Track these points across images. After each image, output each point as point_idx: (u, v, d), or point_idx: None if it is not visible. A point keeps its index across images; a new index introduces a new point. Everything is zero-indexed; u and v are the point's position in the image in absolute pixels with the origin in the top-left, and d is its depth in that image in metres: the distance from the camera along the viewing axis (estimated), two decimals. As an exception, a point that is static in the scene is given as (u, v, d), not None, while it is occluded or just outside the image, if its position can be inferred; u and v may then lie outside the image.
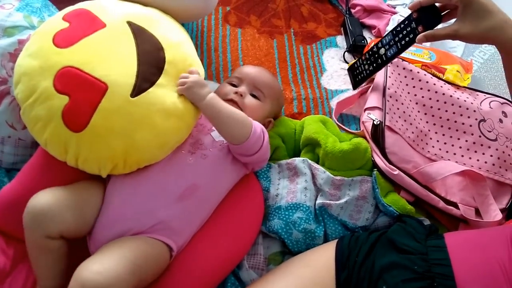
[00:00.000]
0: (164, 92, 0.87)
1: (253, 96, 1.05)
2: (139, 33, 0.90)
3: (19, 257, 0.89)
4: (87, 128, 0.82)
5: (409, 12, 1.03)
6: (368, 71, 1.20)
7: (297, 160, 1.08)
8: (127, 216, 0.86)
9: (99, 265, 0.73)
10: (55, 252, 0.82)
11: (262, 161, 1.00)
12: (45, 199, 0.81)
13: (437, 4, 0.96)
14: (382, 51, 1.14)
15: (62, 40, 0.86)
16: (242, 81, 1.06)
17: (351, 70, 1.28)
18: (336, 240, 0.97)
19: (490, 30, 0.86)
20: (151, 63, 0.88)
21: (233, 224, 0.96)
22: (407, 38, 1.05)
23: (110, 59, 0.85)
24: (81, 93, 0.82)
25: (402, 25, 1.07)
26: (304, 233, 1.00)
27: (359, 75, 1.24)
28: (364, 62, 1.21)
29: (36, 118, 0.84)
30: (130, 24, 0.90)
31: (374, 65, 1.17)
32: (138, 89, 0.84)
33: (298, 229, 1.00)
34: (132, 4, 0.98)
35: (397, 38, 1.09)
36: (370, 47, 1.22)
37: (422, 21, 1.00)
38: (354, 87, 1.27)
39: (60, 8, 1.16)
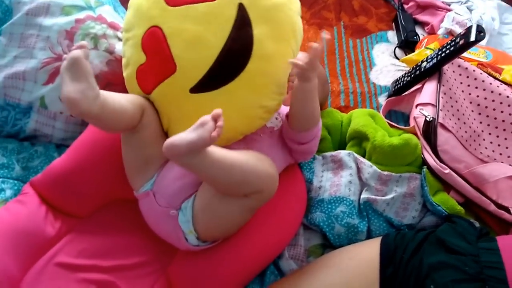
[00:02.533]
0: (223, 99, 0.82)
1: None
2: (240, 25, 0.80)
3: (65, 230, 0.91)
4: (150, 95, 0.85)
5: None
6: (405, 82, 1.20)
7: (342, 153, 1.06)
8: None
9: None
10: None
11: (309, 152, 0.99)
12: None
13: None
14: (424, 64, 1.15)
15: None
16: None
17: (395, 81, 1.27)
18: (380, 237, 0.94)
19: None
20: (228, 65, 0.81)
21: (277, 213, 0.95)
22: (447, 51, 1.08)
23: (194, 41, 0.80)
24: (155, 62, 0.82)
25: (447, 42, 1.10)
26: (346, 228, 0.98)
27: (397, 85, 1.23)
28: (406, 74, 1.22)
29: (124, 53, 0.88)
30: (240, 9, 0.80)
31: (412, 76, 1.18)
32: (200, 87, 0.81)
33: (340, 223, 0.98)
34: None
35: (440, 52, 1.11)
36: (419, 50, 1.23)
37: (465, 35, 1.04)
38: (388, 96, 1.26)
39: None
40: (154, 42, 0.81)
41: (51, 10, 1.02)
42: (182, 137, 0.69)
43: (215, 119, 0.70)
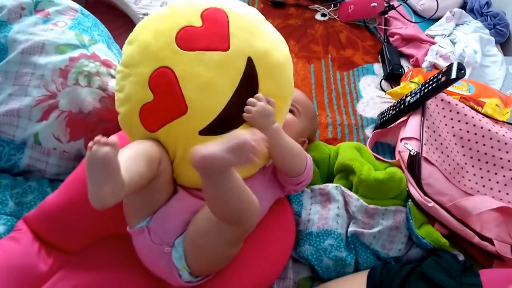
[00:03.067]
0: None
1: (289, 111, 1.07)
2: (248, 79, 0.87)
3: (58, 266, 0.92)
4: (153, 133, 0.86)
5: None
6: (391, 115, 1.24)
7: (330, 186, 1.09)
8: (189, 210, 0.88)
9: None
10: None
11: (303, 186, 1.01)
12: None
13: None
14: (408, 98, 1.20)
15: (185, 41, 0.85)
16: None
17: (380, 114, 1.31)
18: (367, 270, 0.97)
19: None
20: (236, 113, 0.86)
21: (267, 247, 0.97)
22: (430, 87, 1.12)
23: (207, 86, 0.84)
24: (164, 102, 0.84)
25: (430, 78, 1.14)
26: (334, 261, 1.00)
27: (383, 118, 1.28)
28: (391, 108, 1.26)
29: (122, 88, 0.87)
30: (248, 62, 0.87)
31: (397, 109, 1.22)
32: (210, 130, 0.84)
33: (328, 256, 1.00)
34: (271, 33, 0.93)
35: (423, 87, 1.15)
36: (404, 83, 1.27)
37: (446, 72, 1.08)
38: (375, 128, 1.30)
39: (108, 27, 1.22)
40: (165, 82, 0.83)
41: (46, 49, 1.05)
42: (218, 153, 0.69)
43: (257, 143, 0.70)
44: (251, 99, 0.86)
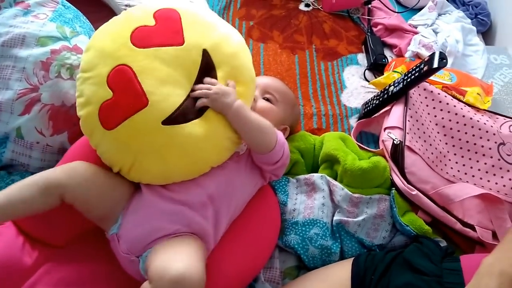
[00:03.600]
0: (194, 132, 0.85)
1: (266, 99, 1.08)
2: (206, 69, 0.89)
3: (42, 260, 0.91)
4: (112, 130, 0.84)
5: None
6: (374, 105, 1.26)
7: (315, 176, 1.09)
8: (156, 217, 0.86)
9: (180, 263, 0.73)
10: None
11: (283, 166, 1.00)
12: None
13: None
14: (391, 88, 1.21)
15: (140, 39, 0.86)
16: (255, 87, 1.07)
17: (364, 104, 1.32)
18: (352, 258, 0.98)
19: None
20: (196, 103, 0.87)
21: (251, 237, 0.97)
22: (412, 77, 1.14)
23: (166, 79, 0.85)
24: (123, 97, 0.84)
25: (413, 68, 1.15)
26: (320, 249, 1.01)
27: (367, 108, 1.29)
28: (375, 98, 1.27)
29: (82, 92, 0.87)
30: (204, 54, 0.89)
31: (381, 99, 1.24)
32: (172, 120, 0.84)
33: (314, 245, 1.01)
34: (224, 27, 0.96)
35: (406, 77, 1.17)
36: (387, 72, 1.27)
37: (428, 62, 1.09)
38: (359, 118, 1.32)
39: (89, 18, 1.21)
40: (124, 78, 0.84)
41: (27, 42, 1.03)
42: None
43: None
44: (204, 85, 0.88)
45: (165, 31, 0.88)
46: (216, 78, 0.89)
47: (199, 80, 0.88)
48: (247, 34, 1.53)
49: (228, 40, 0.93)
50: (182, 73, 0.86)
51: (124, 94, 0.84)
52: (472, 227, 1.05)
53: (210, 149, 0.88)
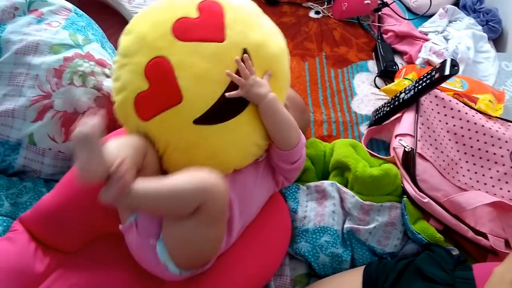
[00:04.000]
0: (224, 133, 0.86)
1: None
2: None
3: (54, 266, 0.92)
4: (146, 122, 0.85)
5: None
6: (384, 112, 1.25)
7: (326, 183, 1.09)
8: None
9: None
10: None
11: (298, 169, 1.00)
12: None
13: None
14: (402, 95, 1.21)
15: (182, 31, 0.85)
16: None
17: (375, 111, 1.32)
18: (363, 266, 0.97)
19: None
20: (231, 104, 0.86)
21: (262, 244, 0.97)
22: (424, 84, 1.13)
23: (202, 76, 0.84)
24: (159, 91, 0.84)
25: (424, 75, 1.15)
26: (331, 257, 1.01)
27: (377, 115, 1.29)
28: (386, 105, 1.27)
29: (119, 77, 0.87)
30: (244, 53, 0.87)
31: (392, 106, 1.23)
32: (205, 119, 0.84)
33: (325, 253, 1.00)
34: (267, 26, 0.94)
35: (417, 84, 1.16)
36: (398, 79, 1.27)
37: (440, 69, 1.09)
38: (370, 125, 1.31)
39: (101, 26, 1.22)
40: (161, 71, 0.83)
41: (40, 49, 1.05)
42: None
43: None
44: (241, 78, 0.85)
45: (207, 25, 0.87)
46: None
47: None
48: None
49: (269, 42, 0.91)
50: (219, 71, 0.84)
51: (160, 88, 0.84)
52: (484, 236, 1.04)
53: (236, 153, 0.88)
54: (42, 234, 0.93)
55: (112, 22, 1.43)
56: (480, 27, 1.71)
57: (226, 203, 0.83)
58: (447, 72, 1.07)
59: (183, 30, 0.85)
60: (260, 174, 0.98)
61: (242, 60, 0.86)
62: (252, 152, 0.91)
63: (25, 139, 1.03)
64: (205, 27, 0.86)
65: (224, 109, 0.85)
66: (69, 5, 1.17)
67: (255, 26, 0.91)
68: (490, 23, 1.75)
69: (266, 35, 0.91)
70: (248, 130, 0.88)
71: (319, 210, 1.06)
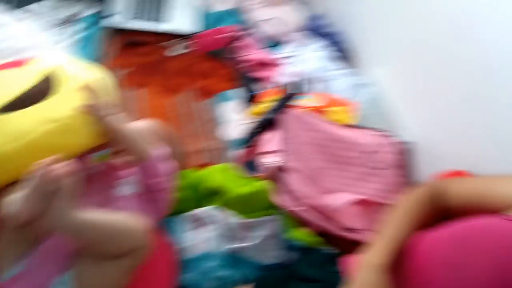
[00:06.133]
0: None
1: None
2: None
3: None
4: None
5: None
6: (253, 134, 1.33)
7: (203, 210, 1.12)
8: None
9: None
10: None
11: (165, 191, 1.03)
12: None
13: None
14: (266, 116, 1.32)
15: None
16: None
17: (244, 134, 1.38)
18: (253, 284, 1.00)
19: None
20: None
21: (148, 283, 0.95)
22: (283, 103, 1.30)
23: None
24: None
25: (280, 96, 1.29)
26: (218, 280, 1.02)
27: (247, 138, 1.35)
28: (253, 127, 1.35)
29: None
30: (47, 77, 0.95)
31: (258, 128, 1.33)
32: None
33: (211, 277, 1.02)
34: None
35: (276, 104, 1.29)
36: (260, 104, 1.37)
37: (295, 89, 1.26)
38: (240, 149, 1.36)
39: None
40: None
41: None
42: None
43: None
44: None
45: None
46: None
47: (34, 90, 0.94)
48: (125, 82, 1.54)
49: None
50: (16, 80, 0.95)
51: None
52: (356, 231, 1.13)
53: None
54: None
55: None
56: (331, 48, 1.87)
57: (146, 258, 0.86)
58: (301, 90, 1.17)
59: None
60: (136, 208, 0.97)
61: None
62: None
63: None
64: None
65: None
66: None
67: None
68: (339, 44, 1.92)
69: None
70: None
71: (200, 237, 1.07)
